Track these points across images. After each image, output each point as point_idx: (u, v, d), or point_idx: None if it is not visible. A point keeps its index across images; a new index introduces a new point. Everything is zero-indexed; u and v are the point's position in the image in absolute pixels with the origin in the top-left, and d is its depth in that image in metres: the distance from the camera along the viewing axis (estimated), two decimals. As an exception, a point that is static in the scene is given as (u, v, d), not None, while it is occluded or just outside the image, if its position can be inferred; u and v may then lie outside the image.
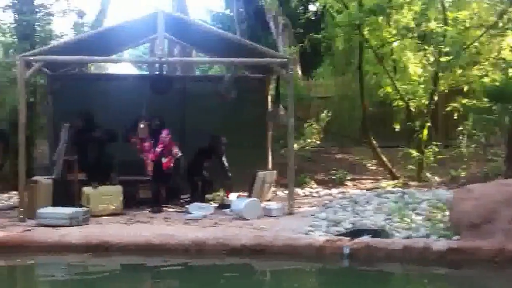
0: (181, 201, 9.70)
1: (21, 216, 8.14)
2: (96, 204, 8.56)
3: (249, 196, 9.30)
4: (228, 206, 8.93)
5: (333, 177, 11.71)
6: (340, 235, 7.11)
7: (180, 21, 9.34)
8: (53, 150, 9.41)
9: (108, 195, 8.65)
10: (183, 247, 6.97)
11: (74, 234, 7.25)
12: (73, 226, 7.67)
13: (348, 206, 8.63)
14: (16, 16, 10.70)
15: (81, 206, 8.45)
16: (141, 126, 8.99)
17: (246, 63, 9.79)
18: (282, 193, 10.75)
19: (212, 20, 21.64)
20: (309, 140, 11.82)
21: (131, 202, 9.09)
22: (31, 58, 8.36)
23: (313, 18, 15.17)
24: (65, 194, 8.73)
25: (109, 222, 8.07)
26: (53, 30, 11.02)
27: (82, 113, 9.34)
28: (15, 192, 9.98)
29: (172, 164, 9.10)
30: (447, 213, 7.48)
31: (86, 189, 8.67)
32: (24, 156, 8.33)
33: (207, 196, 9.70)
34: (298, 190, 10.61)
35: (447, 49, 10.70)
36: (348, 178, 11.75)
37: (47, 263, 7.12)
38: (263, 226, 7.72)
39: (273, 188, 10.36)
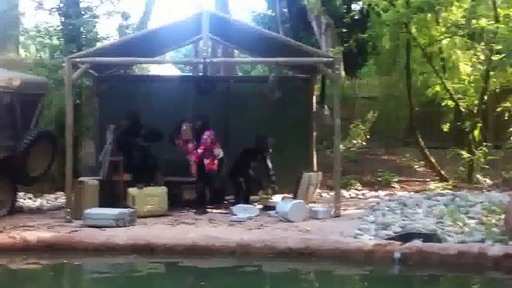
0: (225, 202, 9.63)
1: (68, 217, 8.21)
2: (142, 205, 8.56)
3: (294, 198, 9.15)
4: (272, 207, 8.80)
5: (379, 179, 11.44)
6: (389, 239, 6.90)
7: (224, 21, 9.27)
8: (99, 151, 9.47)
9: (153, 196, 8.64)
10: (229, 250, 6.88)
11: (120, 235, 7.24)
12: (119, 227, 7.67)
13: (396, 209, 8.39)
14: (63, 18, 10.82)
15: (126, 207, 8.47)
16: (184, 127, 8.96)
17: (292, 63, 9.63)
18: (327, 195, 10.56)
19: (254, 21, 21.53)
20: (354, 141, 11.59)
21: (175, 203, 9.06)
22: (78, 59, 8.42)
23: (357, 17, 14.90)
24: (110, 195, 8.76)
25: (154, 223, 8.05)
26: (98, 32, 11.10)
27: (128, 114, 9.37)
28: (61, 193, 10.11)
29: (215, 165, 9.03)
30: (502, 217, 7.18)
31: (132, 190, 8.68)
32: (71, 157, 8.40)
33: (251, 197, 9.59)
34: (344, 192, 10.40)
35: (498, 47, 10.33)
36: (395, 180, 11.46)
37: (94, 264, 7.14)
38: (309, 228, 7.57)
39: (317, 190, 10.18)
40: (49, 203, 9.87)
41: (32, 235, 7.28)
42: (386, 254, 6.45)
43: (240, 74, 16.10)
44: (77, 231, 7.53)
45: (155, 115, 9.64)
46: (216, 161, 9.01)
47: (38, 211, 9.14)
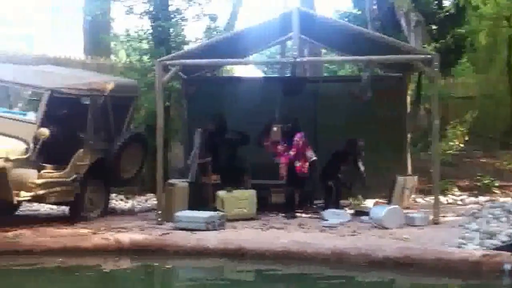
0: (314, 206, 9.35)
1: (159, 219, 8.21)
2: (231, 208, 8.44)
3: (388, 203, 8.73)
4: (365, 213, 8.42)
5: (478, 184, 10.74)
6: (496, 249, 6.37)
7: (314, 19, 8.98)
8: (188, 154, 9.47)
9: (242, 199, 8.50)
10: (322, 256, 6.61)
11: (211, 239, 7.15)
12: (209, 230, 7.58)
13: (501, 216, 7.80)
14: (152, 22, 10.95)
15: (215, 209, 8.38)
16: (274, 129, 8.76)
17: (387, 61, 9.15)
18: (422, 200, 10.03)
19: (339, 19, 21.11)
20: (452, 143, 10.94)
21: (263, 207, 8.88)
22: (168, 62, 8.42)
23: (450, 12, 14.18)
24: (199, 198, 8.72)
25: (244, 227, 7.90)
26: (185, 35, 11.14)
27: (215, 117, 9.32)
28: (151, 194, 10.23)
29: (305, 168, 8.77)
30: None
31: (221, 193, 8.59)
32: (162, 159, 8.41)
33: (342, 201, 9.25)
34: (441, 197, 9.81)
35: None
36: (496, 185, 10.72)
37: (185, 266, 7.09)
38: (407, 236, 7.14)
39: (412, 195, 9.68)
40: (140, 205, 9.99)
41: (125, 237, 7.32)
42: (494, 266, 5.96)
43: (325, 74, 15.76)
44: (168, 233, 7.50)
45: (242, 116, 9.52)
46: (307, 164, 8.75)
47: (130, 212, 9.25)
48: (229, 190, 8.60)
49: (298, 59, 8.41)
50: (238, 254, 6.83)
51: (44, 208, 9.38)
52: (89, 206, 8.43)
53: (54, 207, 9.17)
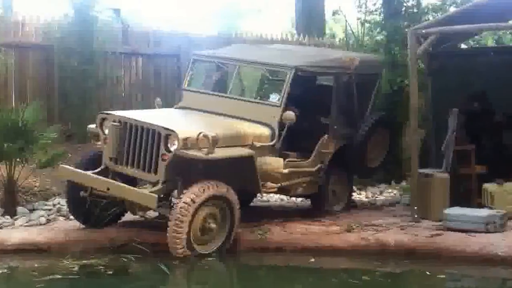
0: None
1: (415, 216, 6.99)
2: (501, 204, 6.93)
3: None
4: None
5: None
6: None
7: None
8: (434, 139, 8.15)
9: (516, 193, 6.95)
10: None
11: (498, 244, 5.77)
12: (489, 232, 6.20)
13: None
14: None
15: (480, 206, 6.97)
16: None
17: None
18: None
19: None
20: None
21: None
22: (424, 31, 7.12)
23: None
24: (457, 191, 7.32)
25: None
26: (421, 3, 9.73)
27: (474, 96, 7.89)
28: (383, 185, 9.13)
29: None
30: None
31: (489, 186, 7.12)
32: (416, 145, 7.19)
33: None
34: None
35: None
36: None
37: (469, 276, 5.80)
38: None
39: None
40: (376, 197, 8.87)
41: (388, 238, 6.25)
42: None
43: None
44: (438, 235, 6.25)
45: (500, 95, 7.90)
46: None
47: (373, 207, 8.14)
48: (500, 183, 7.09)
49: None
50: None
51: (274, 199, 8.67)
52: (332, 199, 7.47)
53: (284, 198, 8.43)
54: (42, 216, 7.04)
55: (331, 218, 7.12)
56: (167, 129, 6.00)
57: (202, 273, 5.91)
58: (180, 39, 10.21)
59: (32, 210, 7.22)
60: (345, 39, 12.15)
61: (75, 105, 9.13)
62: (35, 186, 7.85)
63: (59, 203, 7.47)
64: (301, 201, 8.19)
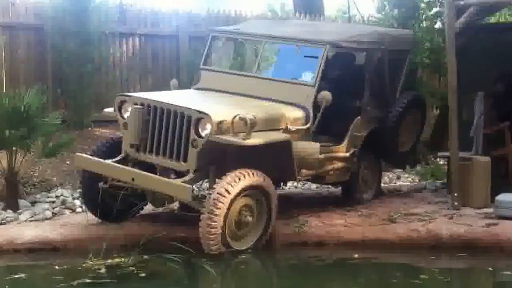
0: None
1: (455, 203, 6.52)
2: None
3: None
4: None
5: None
6: None
7: None
8: (461, 122, 7.71)
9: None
10: None
11: None
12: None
13: None
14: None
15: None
16: None
17: None
18: None
19: None
20: None
21: None
22: (462, 2, 6.60)
23: None
24: (494, 175, 6.88)
25: None
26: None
27: (502, 76, 7.42)
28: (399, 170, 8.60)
29: None
30: None
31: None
32: (456, 126, 6.68)
33: None
34: None
35: None
36: None
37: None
38: None
39: None
40: (395, 183, 8.39)
41: (440, 229, 5.76)
42: None
43: None
44: (494, 224, 5.78)
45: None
46: None
47: (400, 194, 7.62)
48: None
49: None
50: None
51: (288, 186, 8.05)
52: (363, 186, 6.94)
53: (298, 185, 7.86)
54: (47, 209, 6.36)
55: (363, 207, 6.61)
56: (199, 111, 5.35)
57: (246, 272, 5.32)
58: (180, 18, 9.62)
59: (33, 203, 6.53)
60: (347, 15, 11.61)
61: (71, 89, 8.41)
62: (34, 177, 7.13)
63: (62, 195, 6.81)
64: (316, 187, 7.67)
